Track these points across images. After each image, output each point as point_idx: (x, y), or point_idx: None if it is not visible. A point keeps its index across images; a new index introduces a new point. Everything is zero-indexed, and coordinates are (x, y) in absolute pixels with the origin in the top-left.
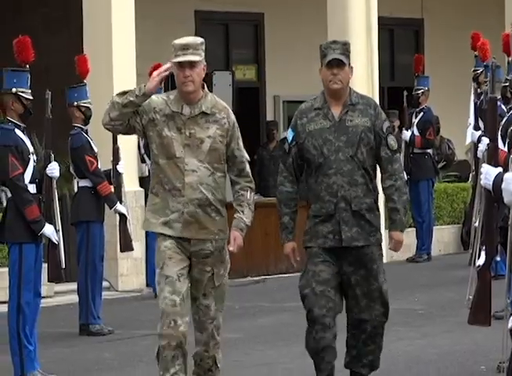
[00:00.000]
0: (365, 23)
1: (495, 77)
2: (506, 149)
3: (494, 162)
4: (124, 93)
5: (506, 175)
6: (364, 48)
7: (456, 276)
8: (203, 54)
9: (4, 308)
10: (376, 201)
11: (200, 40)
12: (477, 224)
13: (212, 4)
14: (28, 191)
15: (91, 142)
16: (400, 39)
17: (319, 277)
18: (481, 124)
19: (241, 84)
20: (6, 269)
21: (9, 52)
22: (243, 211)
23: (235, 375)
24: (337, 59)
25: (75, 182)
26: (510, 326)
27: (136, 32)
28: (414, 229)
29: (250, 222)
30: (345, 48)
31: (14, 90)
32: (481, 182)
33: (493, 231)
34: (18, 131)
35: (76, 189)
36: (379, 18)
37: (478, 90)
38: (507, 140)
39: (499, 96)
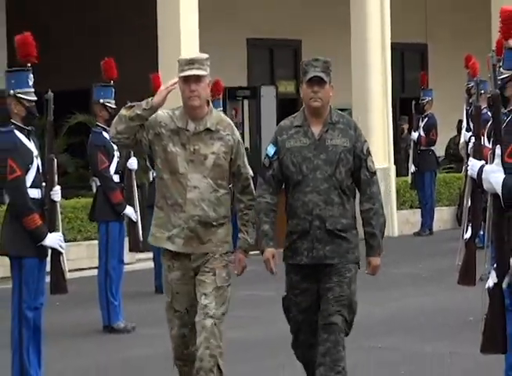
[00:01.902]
0: (381, 47)
1: (481, 90)
2: (490, 146)
3: (479, 157)
4: (131, 107)
5: (486, 167)
6: (379, 67)
7: (452, 247)
8: (208, 70)
9: (95, 272)
10: (353, 221)
11: (205, 56)
12: (467, 206)
13: (261, 33)
14: (113, 180)
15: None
16: (409, 59)
17: (299, 307)
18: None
19: (283, 96)
20: (96, 242)
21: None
22: (247, 232)
23: None
24: (317, 77)
25: (150, 173)
26: (486, 286)
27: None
28: (419, 209)
29: (254, 242)
30: (326, 66)
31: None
32: (468, 172)
33: (478, 211)
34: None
35: (151, 179)
36: (392, 43)
37: (470, 100)
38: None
39: (485, 105)
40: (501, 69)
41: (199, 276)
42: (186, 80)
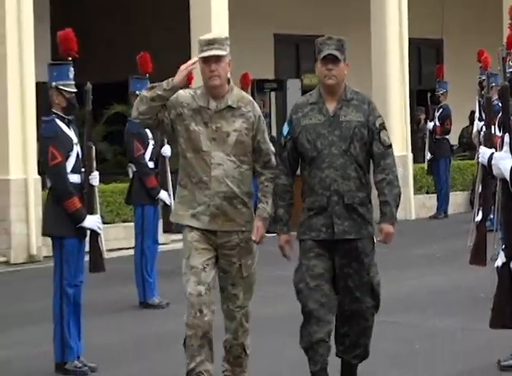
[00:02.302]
0: (399, 42)
1: (492, 82)
2: (500, 135)
3: (489, 145)
4: (152, 87)
5: (495, 154)
6: (397, 60)
7: (465, 229)
8: (228, 49)
9: (132, 252)
10: (368, 195)
11: (224, 35)
12: (478, 191)
13: (287, 29)
14: (148, 166)
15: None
16: (425, 54)
17: (312, 272)
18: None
19: (307, 88)
20: (133, 224)
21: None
22: (267, 202)
23: None
24: (331, 55)
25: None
26: (495, 265)
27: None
28: (435, 194)
29: (273, 213)
30: (340, 44)
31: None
32: (479, 159)
33: (488, 195)
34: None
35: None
36: (409, 38)
37: (482, 92)
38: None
39: (495, 97)
40: (510, 62)
41: (224, 266)
42: (206, 60)
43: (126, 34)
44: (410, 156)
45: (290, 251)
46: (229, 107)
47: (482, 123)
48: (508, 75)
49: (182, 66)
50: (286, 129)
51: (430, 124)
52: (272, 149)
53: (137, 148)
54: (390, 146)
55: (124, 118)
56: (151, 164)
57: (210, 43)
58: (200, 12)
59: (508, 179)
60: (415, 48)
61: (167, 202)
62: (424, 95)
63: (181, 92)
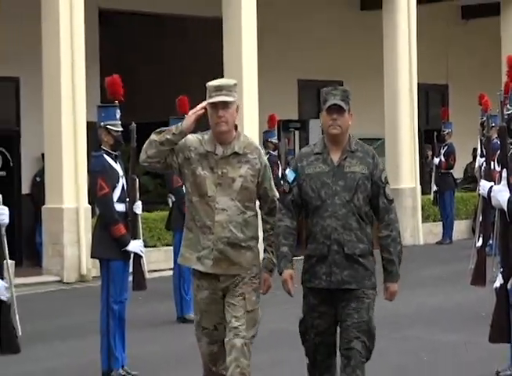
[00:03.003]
0: (409, 87)
1: (492, 123)
2: (498, 170)
3: (489, 179)
4: (161, 132)
5: (494, 187)
6: (408, 103)
7: (467, 254)
8: (236, 95)
9: (171, 272)
10: (370, 248)
11: (233, 82)
12: (479, 219)
13: (309, 75)
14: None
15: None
16: (432, 98)
17: (316, 330)
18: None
19: None
20: (171, 247)
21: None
22: (272, 252)
23: None
24: (337, 105)
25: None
26: (494, 286)
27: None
28: (441, 222)
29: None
30: (345, 94)
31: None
32: (480, 191)
33: (488, 224)
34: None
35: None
36: (418, 84)
37: (483, 132)
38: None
39: (495, 136)
40: (508, 105)
41: (228, 299)
42: (214, 106)
43: (168, 76)
44: (419, 188)
45: (292, 286)
46: (235, 153)
47: (483, 159)
48: (506, 117)
49: (191, 112)
50: (292, 176)
51: (436, 160)
52: (277, 195)
53: (175, 180)
54: (392, 200)
55: None
56: None
57: (218, 89)
58: (231, 60)
59: (506, 209)
60: (423, 92)
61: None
62: (431, 134)
63: (189, 136)
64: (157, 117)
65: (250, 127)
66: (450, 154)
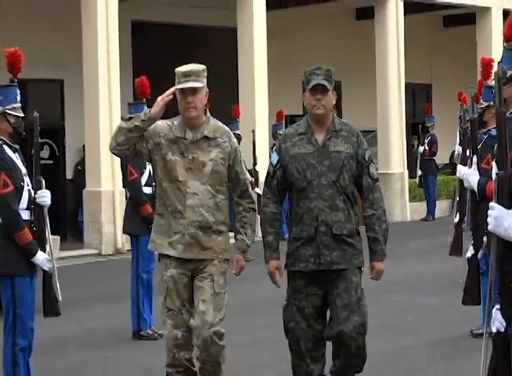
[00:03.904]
0: (398, 86)
1: (467, 117)
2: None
3: (464, 164)
4: (130, 118)
5: (466, 171)
6: (397, 100)
7: (447, 229)
8: (205, 80)
9: None
10: (357, 227)
11: (202, 67)
12: (456, 199)
13: None
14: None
15: None
16: (418, 95)
17: (303, 312)
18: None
19: None
20: None
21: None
22: (245, 233)
23: None
24: (320, 85)
25: None
26: (466, 256)
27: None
28: (425, 202)
29: (252, 243)
30: (329, 74)
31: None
32: (457, 175)
33: (463, 203)
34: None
35: None
36: (406, 83)
37: (461, 124)
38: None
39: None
40: (481, 101)
41: (197, 282)
42: (183, 92)
43: None
44: (406, 172)
45: (279, 277)
46: (205, 137)
47: (461, 147)
48: (479, 110)
49: (159, 98)
50: (275, 158)
51: (421, 148)
52: (249, 178)
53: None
54: (377, 179)
55: None
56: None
57: (187, 75)
58: (245, 63)
59: (476, 190)
60: (410, 90)
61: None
62: (417, 127)
63: (158, 122)
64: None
65: (261, 120)
66: (433, 143)
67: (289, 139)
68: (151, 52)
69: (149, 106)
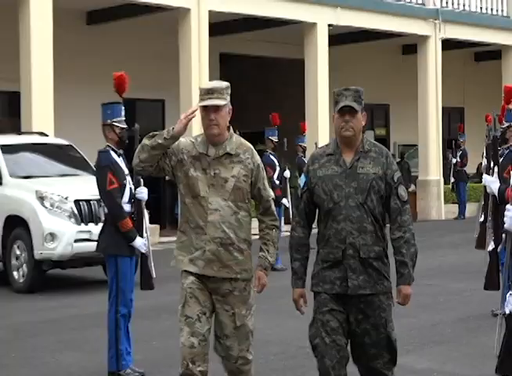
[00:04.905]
0: (436, 109)
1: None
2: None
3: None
4: (153, 136)
5: (488, 179)
6: (435, 120)
7: (474, 227)
8: (228, 98)
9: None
10: (385, 250)
11: (225, 84)
12: (481, 202)
13: (366, 100)
14: (274, 183)
15: None
16: (452, 116)
17: (327, 327)
18: None
19: (377, 137)
20: None
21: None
22: (267, 250)
23: None
24: (348, 106)
25: None
26: (488, 249)
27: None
28: (457, 204)
29: (274, 260)
30: (358, 95)
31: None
32: (483, 182)
33: (487, 205)
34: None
35: None
36: (442, 107)
37: (487, 140)
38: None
39: None
40: (504, 121)
41: (218, 313)
42: (206, 109)
43: (266, 100)
44: (442, 179)
45: (304, 305)
46: (228, 154)
47: (486, 160)
48: (501, 129)
49: (182, 116)
50: (302, 180)
51: (454, 160)
52: (272, 195)
53: (268, 171)
54: (407, 201)
55: (261, 152)
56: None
57: (210, 92)
58: (310, 89)
59: (496, 195)
60: (446, 113)
61: (287, 205)
62: (451, 142)
63: (182, 139)
64: (259, 128)
65: (323, 135)
66: (464, 156)
67: (317, 161)
68: (235, 78)
69: (236, 122)
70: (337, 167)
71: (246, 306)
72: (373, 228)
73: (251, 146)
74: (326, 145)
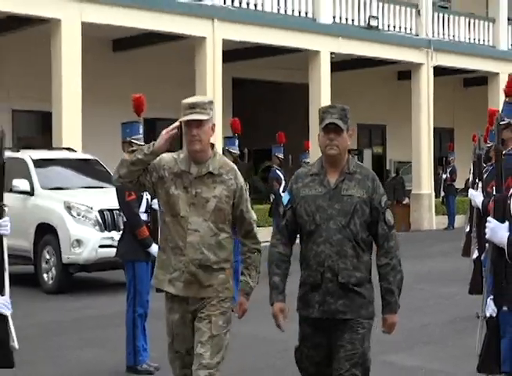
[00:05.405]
0: (427, 129)
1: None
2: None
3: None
4: (133, 151)
5: (473, 193)
6: (427, 140)
7: (462, 236)
8: (211, 113)
9: None
10: (367, 276)
11: (207, 99)
12: (468, 214)
13: (364, 120)
14: (280, 195)
15: None
16: (443, 136)
17: (311, 360)
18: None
19: (375, 154)
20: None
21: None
22: (249, 275)
23: None
24: (333, 124)
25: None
26: (472, 257)
27: None
28: (447, 216)
29: (256, 285)
30: (344, 113)
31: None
32: (469, 195)
33: (472, 217)
34: None
35: None
36: (434, 128)
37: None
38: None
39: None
40: (488, 141)
41: (196, 323)
42: (188, 124)
43: (275, 120)
44: (433, 193)
45: (283, 320)
46: (210, 173)
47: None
48: (486, 148)
49: (163, 131)
50: (286, 198)
51: (444, 176)
52: (254, 218)
53: (275, 185)
54: (393, 226)
55: (269, 168)
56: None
57: (192, 107)
58: (314, 113)
59: (480, 207)
60: (437, 133)
61: None
62: (442, 160)
63: (164, 155)
64: (267, 146)
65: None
66: (453, 172)
67: (300, 180)
68: (247, 101)
69: (240, 139)
70: (321, 187)
71: (224, 318)
72: (354, 252)
73: (235, 167)
74: (311, 164)
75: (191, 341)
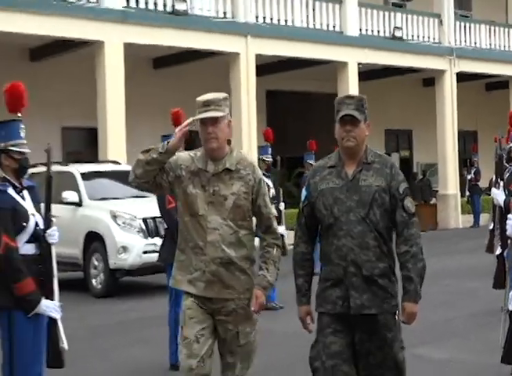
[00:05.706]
0: (452, 132)
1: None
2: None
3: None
4: (148, 150)
5: (494, 191)
6: (452, 142)
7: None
8: (227, 109)
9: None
10: (391, 266)
11: (222, 95)
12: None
13: (392, 125)
14: None
15: None
16: (467, 139)
17: (329, 350)
18: None
19: (403, 158)
20: None
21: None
22: (267, 269)
23: None
24: (349, 115)
25: None
26: (495, 253)
27: None
28: (472, 214)
29: (275, 280)
30: (360, 103)
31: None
32: (491, 194)
33: (495, 214)
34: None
35: None
36: (458, 131)
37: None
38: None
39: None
40: (509, 142)
41: (220, 332)
42: (203, 122)
43: (305, 129)
44: (459, 193)
45: (311, 323)
46: (227, 170)
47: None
48: (507, 149)
49: (177, 129)
50: (303, 194)
51: (469, 176)
52: (274, 212)
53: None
54: (414, 214)
55: (301, 174)
56: None
57: (207, 104)
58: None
59: (502, 205)
60: (461, 135)
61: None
62: (466, 161)
63: (181, 154)
64: (298, 153)
65: None
66: (477, 173)
67: (318, 173)
68: (279, 111)
69: (272, 147)
70: (339, 180)
71: (251, 322)
72: (377, 243)
73: (252, 161)
74: (329, 157)
75: (202, 327)
